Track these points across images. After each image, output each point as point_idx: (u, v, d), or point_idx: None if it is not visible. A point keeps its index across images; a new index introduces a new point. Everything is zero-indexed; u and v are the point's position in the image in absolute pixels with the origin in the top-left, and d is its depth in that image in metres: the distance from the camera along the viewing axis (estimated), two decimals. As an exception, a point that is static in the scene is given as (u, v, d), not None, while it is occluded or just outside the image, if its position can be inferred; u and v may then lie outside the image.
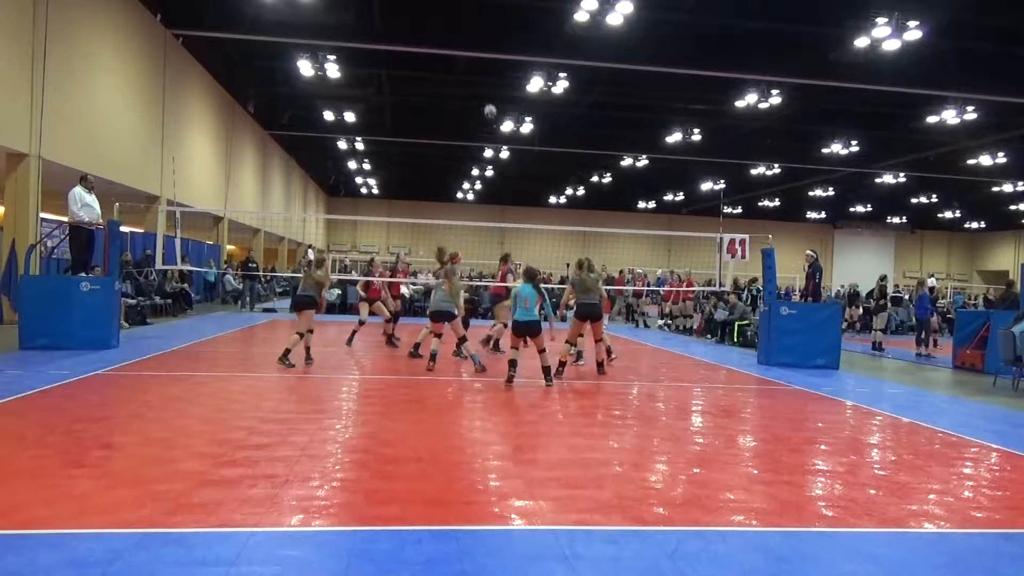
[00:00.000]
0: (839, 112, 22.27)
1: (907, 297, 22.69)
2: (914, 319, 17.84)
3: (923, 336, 15.89)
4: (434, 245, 11.40)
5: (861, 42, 14.91)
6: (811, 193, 36.14)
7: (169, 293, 17.83)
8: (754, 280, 17.79)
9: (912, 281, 27.76)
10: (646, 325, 22.05)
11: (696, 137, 24.59)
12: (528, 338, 8.86)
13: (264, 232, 28.93)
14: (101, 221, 11.32)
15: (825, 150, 25.70)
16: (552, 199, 42.51)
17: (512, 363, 8.88)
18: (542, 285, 9.19)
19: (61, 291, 10.31)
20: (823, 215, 45.01)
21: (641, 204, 42.80)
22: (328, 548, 3.59)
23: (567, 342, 10.03)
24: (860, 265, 41.94)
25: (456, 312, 10.03)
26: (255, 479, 4.55)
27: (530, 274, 9.02)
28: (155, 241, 13.20)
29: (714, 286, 15.59)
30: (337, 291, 21.78)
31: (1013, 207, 38.07)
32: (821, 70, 17.09)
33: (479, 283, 24.84)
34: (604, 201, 40.69)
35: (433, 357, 9.81)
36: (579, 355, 11.17)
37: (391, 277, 13.94)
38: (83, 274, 11.00)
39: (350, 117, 24.53)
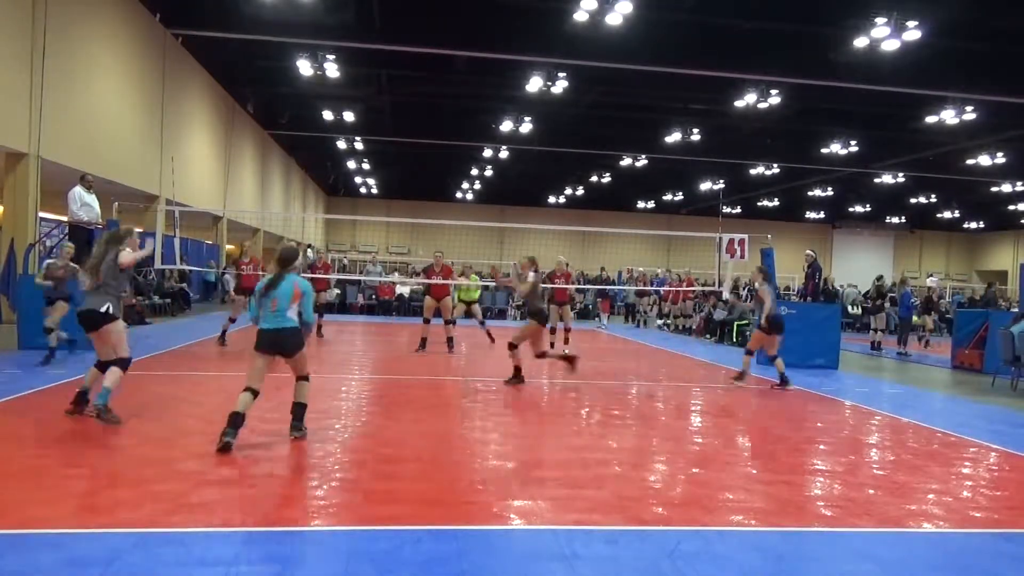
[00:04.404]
0: (839, 112, 22.24)
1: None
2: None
3: (904, 335, 16.03)
4: (433, 245, 10.94)
5: (861, 42, 14.90)
6: (810, 193, 36.11)
7: (168, 293, 17.84)
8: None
9: (914, 281, 27.64)
10: (645, 325, 22.07)
11: (696, 137, 24.59)
12: (281, 357, 5.62)
13: (264, 232, 28.93)
14: (100, 220, 11.32)
15: (824, 150, 25.69)
16: (552, 199, 42.46)
17: (235, 419, 5.22)
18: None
19: (60, 291, 10.27)
20: (822, 215, 44.98)
21: (641, 204, 42.78)
22: (327, 548, 3.59)
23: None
24: (859, 265, 41.92)
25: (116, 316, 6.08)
26: (254, 479, 4.55)
27: (285, 259, 5.67)
28: (154, 241, 13.18)
29: (713, 286, 15.60)
30: (336, 291, 21.80)
31: (1012, 207, 38.03)
32: (821, 70, 17.08)
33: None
34: (604, 201, 40.64)
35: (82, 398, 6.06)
36: (784, 379, 9.61)
37: (311, 274, 13.98)
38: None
39: (350, 117, 24.50)
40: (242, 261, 12.07)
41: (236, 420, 5.23)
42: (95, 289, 5.91)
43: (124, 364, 5.97)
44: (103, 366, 6.00)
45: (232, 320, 11.93)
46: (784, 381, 9.51)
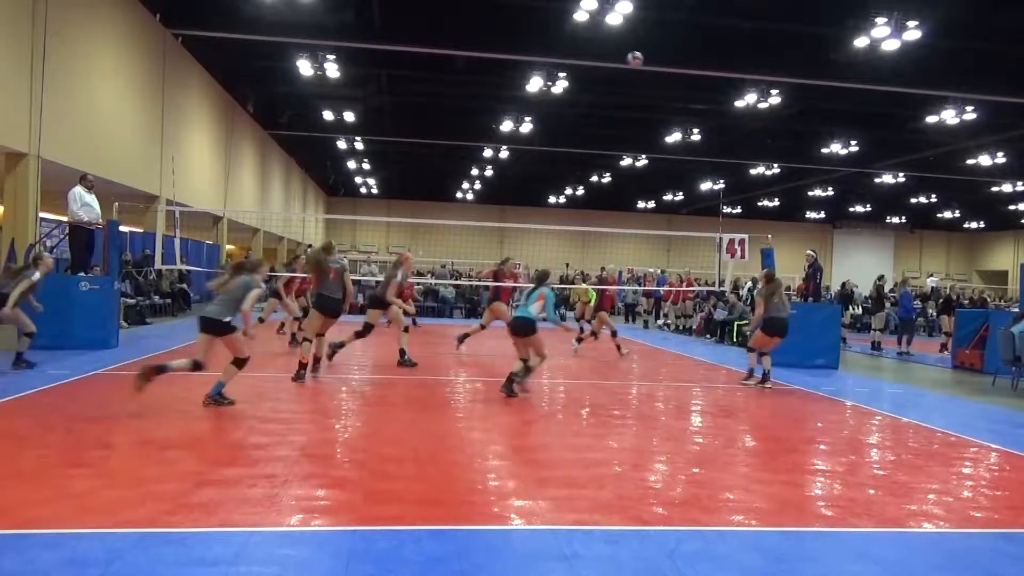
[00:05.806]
0: (839, 112, 22.22)
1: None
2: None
3: (905, 335, 16.04)
4: (434, 245, 10.98)
5: (861, 42, 14.89)
6: (811, 193, 36.09)
7: (168, 293, 17.85)
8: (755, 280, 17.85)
9: (915, 281, 27.61)
10: (646, 325, 22.07)
11: (696, 137, 24.56)
12: (519, 337, 8.33)
13: (264, 232, 28.93)
14: (101, 221, 11.32)
15: (825, 150, 25.67)
16: (552, 199, 42.44)
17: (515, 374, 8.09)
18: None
19: (61, 291, 10.29)
20: (822, 215, 44.96)
21: (641, 204, 42.77)
22: (327, 548, 3.59)
23: None
24: (860, 265, 41.93)
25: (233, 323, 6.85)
26: (254, 479, 4.55)
27: (541, 277, 8.73)
28: (154, 241, 13.19)
29: (714, 286, 15.61)
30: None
31: (1012, 207, 38.01)
32: (821, 70, 17.06)
33: (478, 283, 24.89)
34: (604, 201, 40.63)
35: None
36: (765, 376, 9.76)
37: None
38: (82, 274, 11.00)
39: (350, 117, 24.49)
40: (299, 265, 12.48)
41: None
42: (223, 302, 6.87)
43: (243, 363, 7.00)
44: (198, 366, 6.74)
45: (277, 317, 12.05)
46: (765, 378, 9.74)
